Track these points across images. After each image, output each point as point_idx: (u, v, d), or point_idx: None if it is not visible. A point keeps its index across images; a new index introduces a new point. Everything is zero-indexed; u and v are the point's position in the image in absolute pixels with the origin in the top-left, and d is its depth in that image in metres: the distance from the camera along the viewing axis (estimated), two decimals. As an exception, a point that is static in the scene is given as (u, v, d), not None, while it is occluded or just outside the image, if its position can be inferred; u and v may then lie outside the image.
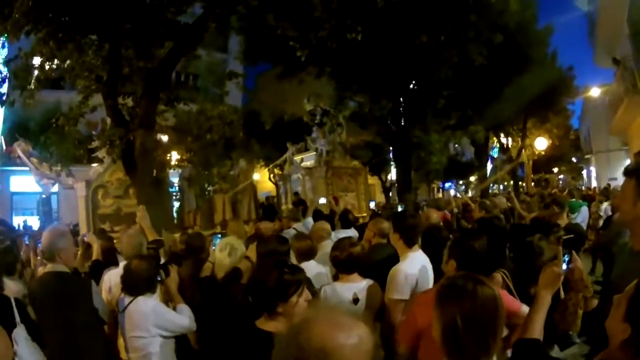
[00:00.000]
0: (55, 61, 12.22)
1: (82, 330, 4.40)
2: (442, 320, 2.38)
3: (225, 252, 5.02)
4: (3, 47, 14.95)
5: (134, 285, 4.43)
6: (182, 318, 4.51)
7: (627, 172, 2.52)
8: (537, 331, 2.58)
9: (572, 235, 3.03)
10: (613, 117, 27.71)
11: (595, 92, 32.14)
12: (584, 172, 52.76)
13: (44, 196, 20.16)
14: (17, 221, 24.59)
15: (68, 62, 12.40)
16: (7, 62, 12.35)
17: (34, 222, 23.15)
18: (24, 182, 24.45)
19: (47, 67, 12.12)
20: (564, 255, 2.83)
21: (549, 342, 3.62)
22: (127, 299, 4.44)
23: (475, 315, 2.31)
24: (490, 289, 2.41)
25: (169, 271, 4.75)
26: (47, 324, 4.19)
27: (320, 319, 1.52)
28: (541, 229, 5.74)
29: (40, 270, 6.35)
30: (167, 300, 4.75)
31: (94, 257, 6.24)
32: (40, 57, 11.75)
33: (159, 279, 4.63)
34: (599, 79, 33.98)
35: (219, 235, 5.96)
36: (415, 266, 4.62)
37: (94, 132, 14.38)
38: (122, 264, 5.48)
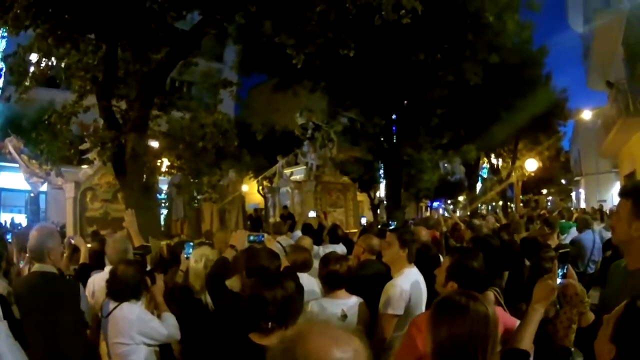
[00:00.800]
0: (52, 59, 12.19)
1: (66, 333, 4.32)
2: (434, 336, 2.42)
3: (201, 264, 4.96)
4: (2, 39, 14.90)
5: (119, 290, 4.36)
6: (167, 326, 4.45)
7: (624, 192, 2.57)
8: (526, 343, 2.60)
9: (567, 250, 3.03)
10: (604, 140, 27.98)
11: (587, 114, 32.41)
12: (573, 194, 53.18)
13: (32, 195, 20.01)
14: (4, 218, 24.37)
15: (65, 60, 12.38)
16: (5, 58, 12.27)
17: (22, 220, 22.95)
18: (13, 179, 24.12)
19: (43, 64, 12.06)
20: (559, 270, 2.84)
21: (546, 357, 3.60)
22: (112, 304, 4.37)
23: (465, 331, 2.34)
24: (482, 306, 2.44)
25: (155, 278, 4.69)
26: (31, 324, 4.12)
27: (315, 332, 1.49)
28: (531, 249, 5.75)
29: (25, 270, 6.30)
30: (152, 308, 4.67)
31: (82, 260, 6.16)
32: (37, 54, 11.70)
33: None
34: (592, 102, 34.50)
35: (191, 244, 5.85)
36: (410, 282, 4.61)
37: (85, 134, 14.28)
38: (107, 268, 5.41)
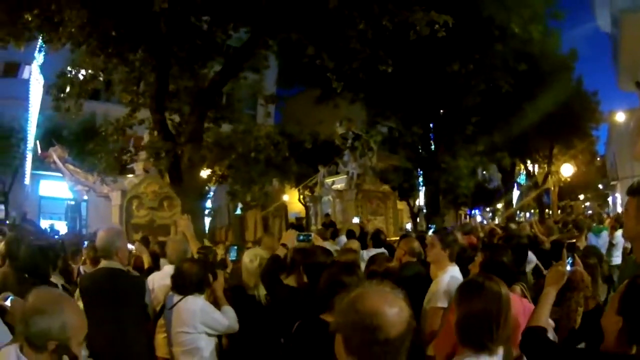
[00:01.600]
0: (100, 73, 12.81)
1: (130, 324, 4.65)
2: (459, 311, 2.85)
3: (256, 262, 5.26)
4: (40, 51, 15.45)
5: (184, 285, 4.74)
6: (227, 318, 4.82)
7: (631, 191, 2.72)
8: (543, 320, 2.90)
9: (574, 240, 3.37)
10: (637, 142, 27.32)
11: (620, 116, 31.53)
12: (610, 199, 51.86)
13: (72, 202, 20.44)
14: (44, 224, 24.99)
15: (114, 75, 13.00)
16: (59, 76, 12.89)
17: (62, 227, 23.50)
18: (53, 187, 25.13)
19: (88, 77, 12.64)
20: (567, 258, 3.19)
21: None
22: (176, 297, 4.75)
23: (481, 306, 2.75)
24: (497, 285, 2.86)
25: (216, 275, 5.09)
26: (97, 315, 4.27)
27: (371, 292, 1.97)
28: (559, 251, 6.03)
29: (84, 268, 6.77)
30: (212, 302, 5.05)
31: (146, 265, 6.57)
32: (87, 69, 12.29)
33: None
34: (624, 103, 33.07)
35: (235, 247, 6.28)
36: (453, 278, 4.89)
37: (132, 145, 14.84)
38: (165, 267, 5.91)
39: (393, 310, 1.88)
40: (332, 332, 1.99)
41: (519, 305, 3.65)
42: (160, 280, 5.66)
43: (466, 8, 17.91)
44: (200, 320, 4.66)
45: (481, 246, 8.91)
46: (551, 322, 3.46)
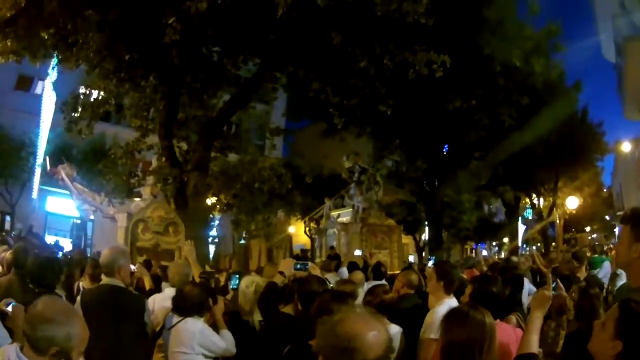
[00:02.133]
0: (112, 97, 13.08)
1: (128, 341, 4.73)
2: (443, 339, 2.97)
3: (252, 288, 5.37)
4: (54, 68, 15.72)
5: (185, 307, 4.82)
6: (225, 341, 4.89)
7: (623, 219, 2.81)
8: (533, 346, 2.94)
9: (557, 265, 3.47)
10: None
11: (626, 146, 31.27)
12: (616, 230, 51.37)
13: (78, 221, 20.52)
14: (49, 240, 24.94)
15: (125, 99, 13.26)
16: (73, 98, 13.12)
17: (66, 244, 23.48)
18: (60, 204, 25.05)
19: (100, 100, 12.88)
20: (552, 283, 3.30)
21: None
22: (176, 318, 4.82)
23: (465, 334, 2.83)
24: (481, 314, 2.94)
25: (216, 299, 5.17)
26: (96, 331, 4.25)
27: (352, 316, 2.03)
28: (563, 282, 6.08)
29: (83, 284, 6.86)
30: (212, 325, 5.11)
31: (147, 287, 6.69)
32: (99, 91, 12.55)
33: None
34: (630, 133, 32.53)
35: (237, 276, 6.38)
36: (447, 310, 4.97)
37: (140, 170, 15.01)
38: (166, 290, 5.99)
39: (371, 333, 1.94)
40: (314, 354, 2.08)
41: (510, 334, 3.70)
42: (160, 301, 5.72)
43: (467, 46, 18.25)
44: (198, 342, 4.71)
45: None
46: None
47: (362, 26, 11.01)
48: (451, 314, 3.12)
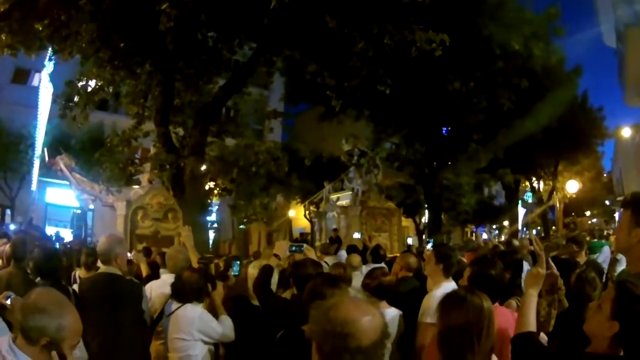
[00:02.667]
0: (110, 86, 13.02)
1: (126, 328, 4.71)
2: (440, 324, 2.92)
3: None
4: (50, 60, 15.68)
5: (184, 293, 4.82)
6: (224, 327, 4.89)
7: (623, 203, 2.81)
8: (530, 324, 2.91)
9: (550, 243, 3.45)
10: None
11: (626, 132, 31.23)
12: (616, 215, 51.41)
13: (78, 211, 20.59)
14: (50, 231, 24.98)
15: (121, 87, 13.20)
16: (68, 84, 13.06)
17: (67, 235, 23.57)
18: (59, 195, 25.21)
19: (96, 88, 12.83)
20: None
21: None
22: (175, 305, 4.82)
23: (462, 319, 2.79)
24: (479, 298, 2.89)
25: (216, 285, 5.16)
26: (93, 318, 4.35)
27: (346, 301, 2.01)
28: (562, 268, 6.04)
29: (79, 273, 6.86)
30: (211, 310, 5.10)
31: (144, 274, 6.68)
32: (96, 80, 12.49)
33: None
34: (631, 118, 32.73)
35: (238, 262, 6.35)
36: (445, 294, 4.93)
37: (137, 157, 14.97)
38: (164, 276, 5.95)
39: (365, 318, 1.90)
40: (307, 339, 2.04)
41: (509, 318, 3.65)
42: (158, 288, 5.69)
43: (465, 27, 18.12)
44: (197, 328, 4.71)
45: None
46: None
47: (358, 8, 10.91)
48: (448, 298, 3.06)
